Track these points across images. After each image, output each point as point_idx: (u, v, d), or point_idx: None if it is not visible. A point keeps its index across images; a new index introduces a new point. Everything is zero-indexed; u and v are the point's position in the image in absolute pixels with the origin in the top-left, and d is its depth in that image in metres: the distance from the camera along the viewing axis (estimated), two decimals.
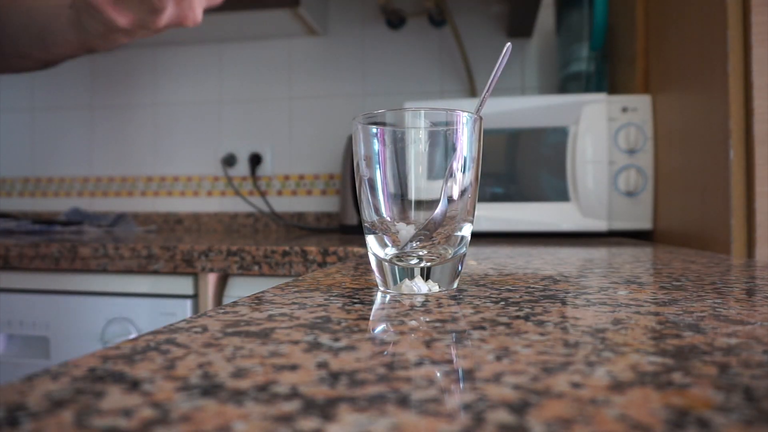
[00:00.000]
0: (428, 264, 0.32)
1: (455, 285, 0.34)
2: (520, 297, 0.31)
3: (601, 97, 0.94)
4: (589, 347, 0.19)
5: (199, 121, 1.48)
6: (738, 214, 0.63)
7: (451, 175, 0.32)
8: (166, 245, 0.79)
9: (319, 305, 0.28)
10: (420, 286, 0.32)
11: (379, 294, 0.32)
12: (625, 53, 1.06)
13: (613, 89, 1.15)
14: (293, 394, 0.15)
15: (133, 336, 0.81)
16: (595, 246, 0.75)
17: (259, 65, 1.45)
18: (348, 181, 1.16)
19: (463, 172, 0.32)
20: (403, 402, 0.14)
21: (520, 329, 0.22)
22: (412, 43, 1.38)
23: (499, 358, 0.18)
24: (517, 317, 0.25)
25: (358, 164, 0.34)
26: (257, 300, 0.30)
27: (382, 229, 0.33)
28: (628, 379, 0.16)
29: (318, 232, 1.26)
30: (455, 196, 0.32)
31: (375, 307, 0.28)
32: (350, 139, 1.17)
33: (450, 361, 0.18)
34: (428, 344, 0.20)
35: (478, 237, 0.97)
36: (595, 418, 0.13)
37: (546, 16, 1.31)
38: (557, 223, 0.95)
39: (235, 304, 0.29)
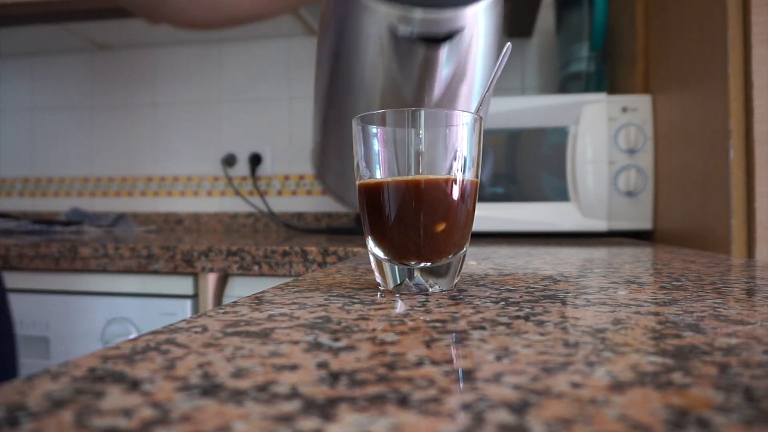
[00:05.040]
0: (428, 264, 0.32)
1: (455, 285, 0.34)
2: (520, 297, 0.31)
3: (601, 97, 0.94)
4: (589, 347, 0.19)
5: (199, 121, 1.48)
6: (738, 214, 0.63)
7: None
8: (166, 245, 0.79)
9: (319, 305, 0.28)
10: (420, 285, 0.32)
11: (379, 294, 0.32)
12: (625, 53, 1.06)
13: (613, 89, 1.15)
14: (293, 394, 0.15)
15: (133, 336, 0.80)
16: (595, 246, 0.75)
17: (259, 65, 1.45)
18: None
19: (463, 172, 0.32)
20: (403, 402, 0.14)
21: (520, 329, 0.22)
22: None
23: (499, 358, 0.18)
24: (517, 317, 0.25)
25: (357, 164, 0.34)
26: (257, 300, 0.30)
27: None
28: (628, 379, 0.16)
29: (318, 232, 1.26)
30: (455, 196, 0.32)
31: (375, 307, 0.28)
32: None
33: (450, 361, 0.18)
34: (428, 344, 0.20)
35: (478, 237, 0.97)
36: (595, 418, 0.13)
37: (546, 16, 1.31)
38: (557, 223, 0.95)
39: (235, 304, 0.29)
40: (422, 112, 0.33)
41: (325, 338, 0.21)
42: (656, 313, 0.25)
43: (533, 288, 0.34)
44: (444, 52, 0.40)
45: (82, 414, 0.13)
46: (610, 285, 0.35)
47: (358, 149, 0.34)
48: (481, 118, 0.34)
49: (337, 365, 0.17)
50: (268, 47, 1.45)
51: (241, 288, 0.81)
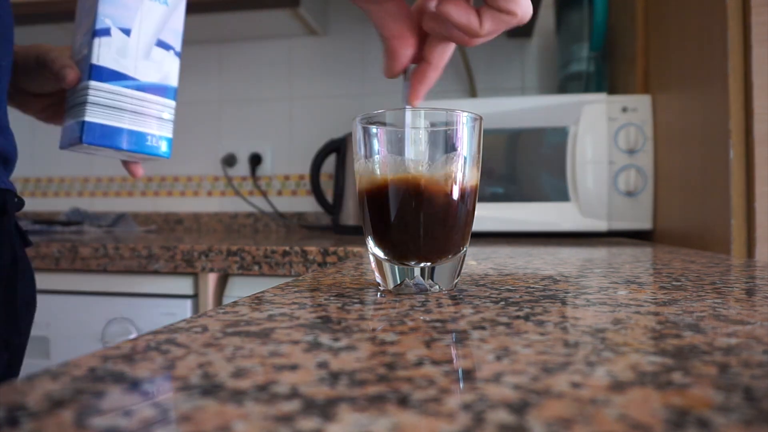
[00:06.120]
0: (428, 264, 0.32)
1: (455, 285, 0.34)
2: (520, 297, 0.31)
3: (601, 97, 0.94)
4: (589, 347, 0.19)
5: (199, 121, 1.48)
6: (738, 214, 0.63)
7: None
8: (166, 245, 0.79)
9: (319, 305, 0.28)
10: (420, 285, 0.32)
11: (379, 294, 0.32)
12: (625, 53, 1.06)
13: (613, 89, 1.15)
14: (293, 394, 0.15)
15: (133, 336, 0.81)
16: (595, 246, 0.75)
17: (259, 65, 1.45)
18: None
19: (463, 172, 0.32)
20: (403, 402, 0.14)
21: (520, 329, 0.22)
22: None
23: (499, 358, 0.18)
24: (517, 317, 0.25)
25: (358, 164, 0.34)
26: (257, 300, 0.30)
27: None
28: (628, 379, 0.16)
29: (318, 232, 1.26)
30: (455, 196, 0.32)
31: (375, 307, 0.28)
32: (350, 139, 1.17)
33: (450, 361, 0.18)
34: (428, 344, 0.20)
35: (478, 237, 0.97)
36: (595, 418, 0.13)
37: (546, 16, 1.31)
38: (557, 223, 0.95)
39: (235, 304, 0.29)
40: (422, 113, 0.33)
41: (325, 338, 0.21)
42: (656, 313, 0.25)
43: (533, 288, 0.34)
44: None
45: (82, 414, 0.13)
46: (610, 285, 0.35)
47: (359, 149, 0.34)
48: (481, 117, 0.34)
49: (337, 365, 0.17)
50: (268, 47, 1.45)
51: (241, 288, 0.81)
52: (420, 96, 0.34)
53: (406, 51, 0.33)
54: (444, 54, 0.34)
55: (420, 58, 0.35)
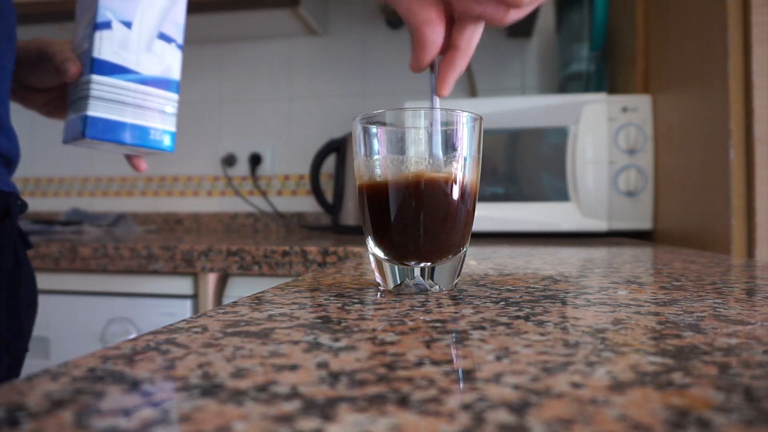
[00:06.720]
0: (428, 264, 0.32)
1: (455, 285, 0.34)
2: (520, 297, 0.31)
3: (601, 97, 0.94)
4: (589, 347, 0.19)
5: (199, 121, 1.48)
6: (738, 214, 0.63)
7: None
8: (166, 245, 0.79)
9: (319, 305, 0.28)
10: (420, 286, 0.32)
11: (379, 294, 0.32)
12: (625, 53, 1.06)
13: (613, 89, 1.15)
14: (293, 394, 0.15)
15: (133, 336, 0.80)
16: (595, 246, 0.75)
17: (259, 65, 1.45)
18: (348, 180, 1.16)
19: (463, 172, 0.32)
20: (403, 402, 0.14)
21: (520, 329, 0.22)
22: None
23: (499, 358, 0.18)
24: (517, 317, 0.25)
25: (358, 164, 0.34)
26: (257, 300, 0.30)
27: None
28: (628, 379, 0.16)
29: (318, 232, 1.26)
30: (455, 196, 0.32)
31: (375, 307, 0.28)
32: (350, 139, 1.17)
33: (450, 361, 0.18)
34: (428, 344, 0.20)
35: (478, 237, 0.97)
36: (595, 418, 0.13)
37: (546, 16, 1.31)
38: (557, 223, 0.95)
39: (235, 304, 0.29)
40: (422, 113, 0.33)
41: (325, 338, 0.21)
42: (656, 313, 0.25)
43: (533, 288, 0.34)
44: None
45: (82, 414, 0.13)
46: (610, 285, 0.35)
47: (358, 149, 0.34)
48: (481, 117, 0.34)
49: (337, 365, 0.17)
50: (268, 47, 1.45)
51: (241, 288, 0.81)
52: (449, 85, 0.33)
53: (437, 38, 0.32)
54: (473, 38, 0.33)
55: (447, 46, 0.33)
